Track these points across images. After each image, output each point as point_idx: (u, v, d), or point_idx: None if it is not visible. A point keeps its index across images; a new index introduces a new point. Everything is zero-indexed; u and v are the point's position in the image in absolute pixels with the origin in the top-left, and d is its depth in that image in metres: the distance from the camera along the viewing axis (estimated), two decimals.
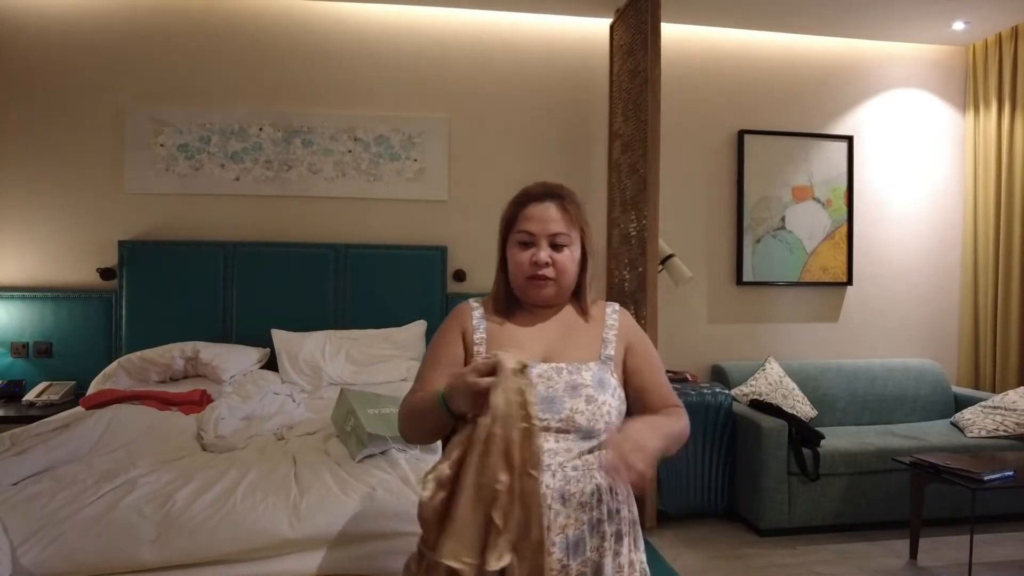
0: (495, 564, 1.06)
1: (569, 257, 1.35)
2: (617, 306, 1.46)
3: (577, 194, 1.41)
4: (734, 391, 3.73)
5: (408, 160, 3.82)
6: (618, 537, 1.30)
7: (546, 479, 1.22)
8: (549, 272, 1.33)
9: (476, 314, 1.40)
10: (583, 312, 1.41)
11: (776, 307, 4.16)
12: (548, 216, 1.34)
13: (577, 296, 1.42)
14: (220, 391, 3.07)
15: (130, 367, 3.15)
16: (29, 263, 3.57)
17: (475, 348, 1.36)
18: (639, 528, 1.38)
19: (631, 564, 1.32)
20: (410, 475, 2.07)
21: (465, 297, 1.45)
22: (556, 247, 1.34)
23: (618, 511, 1.32)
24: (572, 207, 1.36)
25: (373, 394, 2.54)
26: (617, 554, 1.29)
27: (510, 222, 1.38)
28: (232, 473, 2.02)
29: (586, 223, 1.38)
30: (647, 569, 1.36)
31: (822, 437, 3.34)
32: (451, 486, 1.13)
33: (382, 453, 2.25)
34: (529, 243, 1.34)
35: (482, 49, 3.90)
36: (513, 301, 1.41)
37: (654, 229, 3.21)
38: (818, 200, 4.15)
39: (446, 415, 1.21)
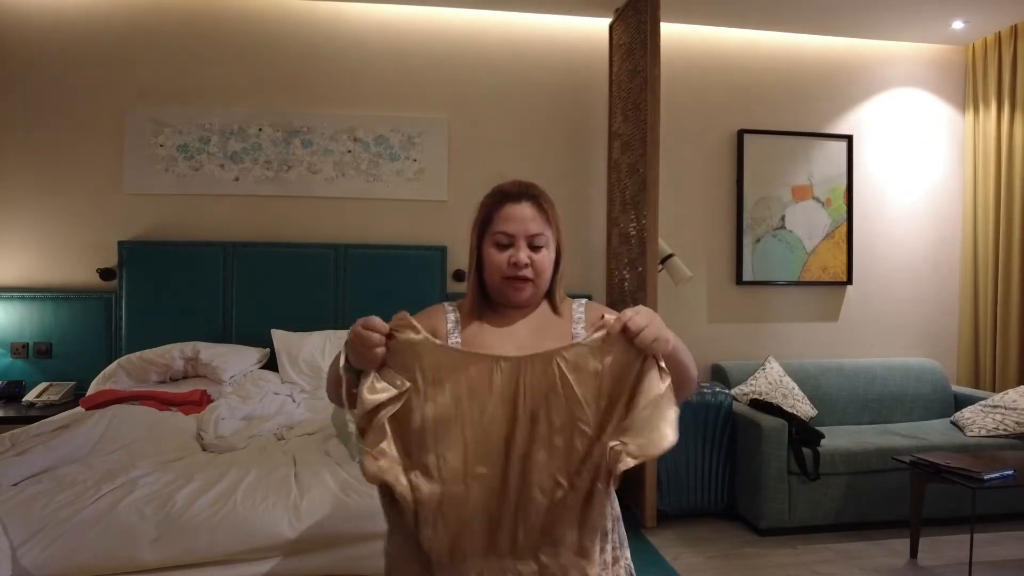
0: None
1: (546, 257, 1.34)
2: (584, 301, 1.45)
3: (547, 193, 1.39)
4: (734, 390, 3.73)
5: (408, 160, 3.82)
6: (601, 534, 1.28)
7: None
8: (528, 273, 1.31)
9: (451, 317, 1.38)
10: (555, 310, 1.40)
11: (776, 307, 4.16)
12: (526, 216, 1.32)
13: (549, 295, 1.41)
14: (220, 391, 3.07)
15: (130, 367, 3.15)
16: (29, 263, 3.57)
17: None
18: (622, 525, 1.37)
19: (616, 560, 1.31)
20: None
21: (458, 299, 1.44)
22: (534, 248, 1.32)
23: None
24: (548, 207, 1.35)
25: None
26: (601, 551, 1.27)
27: (485, 222, 1.35)
28: (232, 473, 2.03)
29: (559, 222, 1.37)
30: (631, 565, 1.36)
31: (822, 436, 3.34)
32: None
33: None
34: (507, 244, 1.32)
35: (482, 49, 3.90)
36: (487, 302, 1.39)
37: (654, 229, 3.21)
38: (818, 199, 4.15)
39: (350, 377, 1.21)
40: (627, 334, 1.12)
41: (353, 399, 1.17)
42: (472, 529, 1.14)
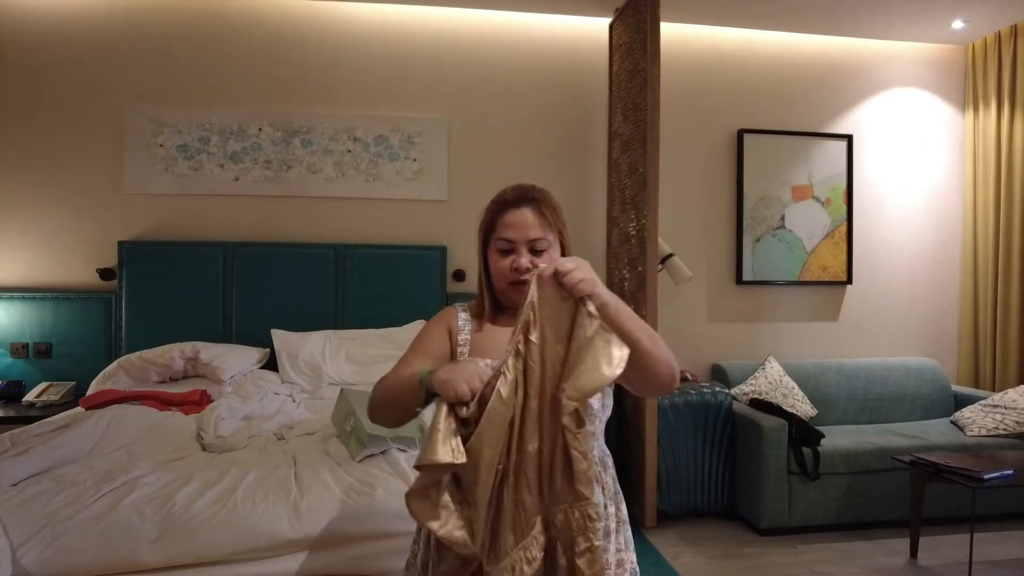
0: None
1: (548, 260, 1.35)
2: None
3: (552, 195, 1.40)
4: (734, 390, 3.73)
5: (408, 160, 3.82)
6: (604, 534, 1.30)
7: None
8: (530, 277, 1.32)
9: (462, 316, 1.42)
10: None
11: (776, 306, 4.16)
12: (526, 222, 1.34)
13: None
14: (220, 391, 3.07)
15: (130, 367, 3.15)
16: (29, 264, 3.57)
17: (459, 350, 1.38)
18: (628, 528, 1.38)
19: (620, 563, 1.32)
20: (410, 475, 2.06)
21: (465, 297, 1.47)
22: (535, 252, 1.35)
23: (606, 507, 1.32)
24: (548, 210, 1.36)
25: None
26: (604, 551, 1.28)
27: (489, 229, 1.38)
28: (232, 473, 2.02)
29: (563, 224, 1.39)
30: (636, 569, 1.36)
31: (822, 436, 3.34)
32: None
33: (382, 453, 2.25)
34: (509, 250, 1.35)
35: (482, 49, 3.90)
36: (497, 305, 1.42)
37: (654, 228, 3.21)
38: (818, 199, 4.15)
39: (420, 395, 1.21)
40: (556, 277, 1.17)
41: (410, 405, 1.22)
42: (508, 525, 1.15)
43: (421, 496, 1.13)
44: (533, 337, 1.17)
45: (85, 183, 3.60)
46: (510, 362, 1.16)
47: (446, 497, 1.13)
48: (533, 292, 1.18)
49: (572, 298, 1.19)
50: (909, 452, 3.17)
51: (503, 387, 1.14)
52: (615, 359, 1.14)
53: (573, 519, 1.14)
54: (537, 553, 1.15)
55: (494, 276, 1.38)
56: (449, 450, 1.10)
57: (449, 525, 1.11)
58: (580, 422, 1.15)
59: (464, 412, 1.13)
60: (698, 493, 3.44)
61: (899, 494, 3.28)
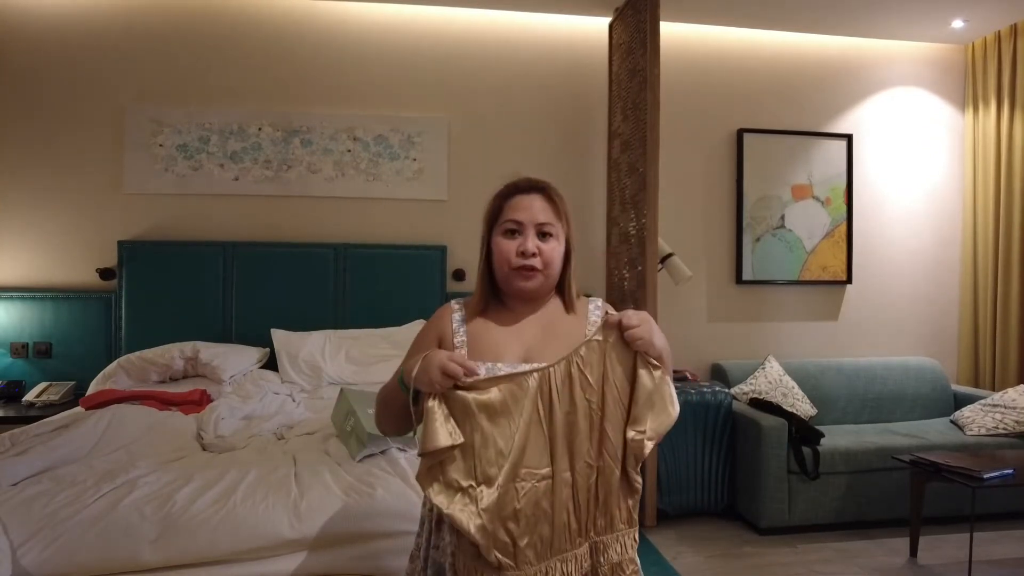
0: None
1: (555, 249, 1.35)
2: (600, 301, 1.44)
3: (558, 190, 1.41)
4: (734, 390, 3.73)
5: (407, 160, 3.82)
6: None
7: None
8: (536, 263, 1.32)
9: (456, 317, 1.38)
10: (568, 306, 1.40)
11: (776, 306, 4.16)
12: (535, 206, 1.34)
13: (561, 291, 1.41)
14: (220, 391, 3.07)
15: (130, 367, 3.15)
16: (29, 263, 3.57)
17: (457, 351, 1.35)
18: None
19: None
20: (410, 475, 2.06)
21: (465, 297, 1.46)
22: (543, 236, 1.34)
23: None
24: (558, 199, 1.37)
25: (373, 394, 2.53)
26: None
27: (495, 214, 1.37)
28: (232, 473, 2.02)
29: (568, 218, 1.38)
30: (639, 569, 1.36)
31: (822, 435, 3.34)
32: None
33: (382, 453, 2.25)
34: (515, 231, 1.34)
35: (482, 49, 3.90)
36: (496, 297, 1.40)
37: (653, 228, 3.21)
38: (817, 199, 4.15)
39: (404, 395, 1.24)
40: (620, 327, 1.25)
41: (408, 413, 1.26)
42: (534, 529, 1.20)
43: (430, 476, 1.20)
44: (588, 374, 1.25)
45: (85, 183, 3.60)
46: (531, 383, 1.22)
47: (451, 476, 1.19)
48: (597, 334, 1.27)
49: (632, 349, 1.28)
50: (909, 451, 3.17)
51: (526, 401, 1.22)
52: (675, 399, 1.28)
53: (626, 545, 1.30)
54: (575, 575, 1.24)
55: (497, 261, 1.35)
56: (447, 433, 1.18)
57: (455, 504, 1.18)
58: (642, 455, 1.29)
59: (465, 382, 1.20)
60: (698, 493, 3.44)
61: (899, 493, 3.28)
